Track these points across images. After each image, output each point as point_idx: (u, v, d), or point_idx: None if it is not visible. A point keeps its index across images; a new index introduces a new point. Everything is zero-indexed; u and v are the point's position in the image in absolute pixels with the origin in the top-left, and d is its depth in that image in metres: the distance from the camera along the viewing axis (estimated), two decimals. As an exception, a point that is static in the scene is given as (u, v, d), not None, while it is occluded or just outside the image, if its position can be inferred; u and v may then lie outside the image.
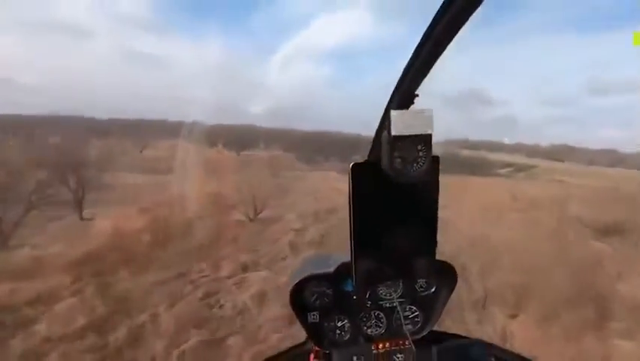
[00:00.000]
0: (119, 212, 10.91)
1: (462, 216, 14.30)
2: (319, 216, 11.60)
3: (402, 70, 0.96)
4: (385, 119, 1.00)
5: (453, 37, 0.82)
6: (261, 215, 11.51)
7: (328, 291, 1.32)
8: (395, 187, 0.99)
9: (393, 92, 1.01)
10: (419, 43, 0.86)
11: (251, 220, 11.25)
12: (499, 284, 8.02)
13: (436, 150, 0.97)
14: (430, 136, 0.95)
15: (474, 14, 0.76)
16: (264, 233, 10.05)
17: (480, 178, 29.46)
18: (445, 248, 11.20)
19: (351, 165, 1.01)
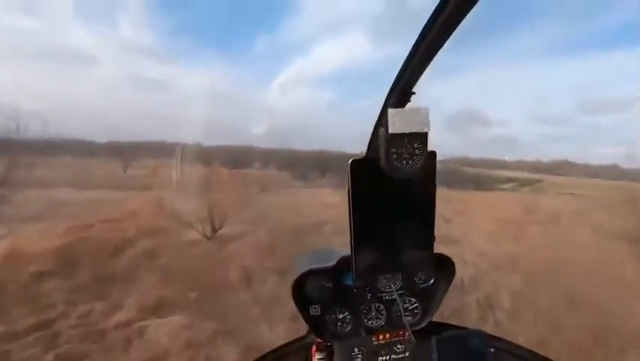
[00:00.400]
0: (40, 230, 8.25)
1: (476, 232, 11.29)
2: (296, 233, 8.73)
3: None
4: (383, 116, 0.97)
5: (449, 35, 0.77)
6: (222, 232, 8.71)
7: (329, 284, 1.27)
8: (392, 183, 0.96)
9: (391, 89, 0.99)
10: (416, 42, 0.83)
11: (208, 239, 8.47)
12: (555, 333, 4.90)
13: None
14: (426, 134, 0.92)
15: (470, 16, 0.71)
16: (216, 255, 7.25)
17: (486, 193, 26.34)
18: (461, 273, 8.10)
19: (350, 161, 0.97)
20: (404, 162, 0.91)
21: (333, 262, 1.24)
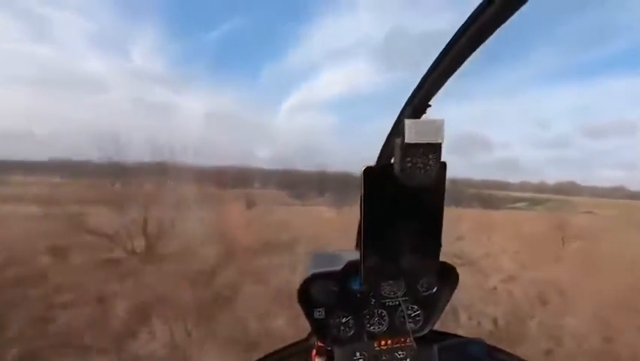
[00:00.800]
0: None
1: (498, 251, 8.59)
2: (259, 252, 6.21)
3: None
4: (398, 126, 0.95)
5: (471, 53, 0.77)
6: (161, 250, 6.28)
7: (334, 288, 1.22)
8: (404, 191, 0.94)
9: (408, 100, 1.00)
10: (438, 57, 0.83)
11: (130, 255, 6.01)
12: None
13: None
14: (440, 145, 0.91)
15: (493, 36, 0.70)
16: (123, 281, 4.80)
17: (497, 211, 23.31)
18: (489, 307, 5.26)
19: (363, 168, 0.94)
20: (417, 171, 0.90)
21: (339, 266, 1.18)
